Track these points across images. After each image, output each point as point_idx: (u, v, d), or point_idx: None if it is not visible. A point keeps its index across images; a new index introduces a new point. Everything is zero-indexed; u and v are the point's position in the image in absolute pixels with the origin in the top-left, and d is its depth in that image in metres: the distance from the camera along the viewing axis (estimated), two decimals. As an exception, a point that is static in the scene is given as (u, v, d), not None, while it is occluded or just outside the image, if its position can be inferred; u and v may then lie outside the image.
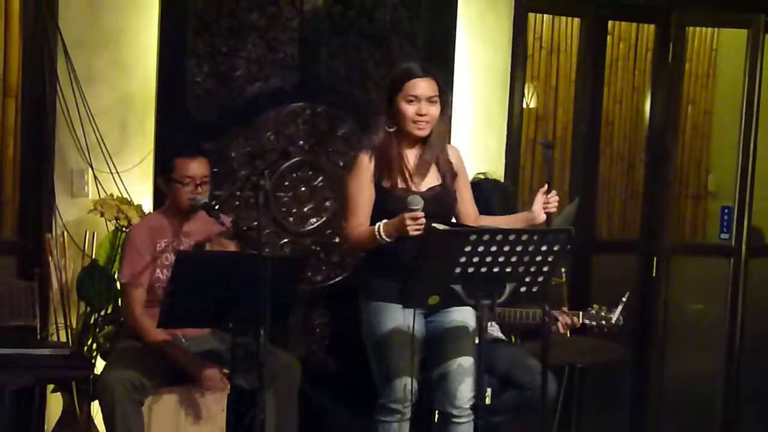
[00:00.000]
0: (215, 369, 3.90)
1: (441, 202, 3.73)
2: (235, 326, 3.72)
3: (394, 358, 3.70)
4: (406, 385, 3.69)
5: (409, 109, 3.69)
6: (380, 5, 4.81)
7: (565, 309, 4.34)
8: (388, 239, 3.58)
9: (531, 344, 4.40)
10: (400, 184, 3.71)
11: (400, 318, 3.69)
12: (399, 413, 3.74)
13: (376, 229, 3.59)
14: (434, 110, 3.71)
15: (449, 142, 4.21)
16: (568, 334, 4.50)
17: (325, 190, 4.78)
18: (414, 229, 3.46)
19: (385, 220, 3.59)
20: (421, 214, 3.47)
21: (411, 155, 3.77)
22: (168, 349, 3.93)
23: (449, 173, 3.80)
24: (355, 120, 4.80)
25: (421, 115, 3.69)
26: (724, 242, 5.65)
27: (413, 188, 3.71)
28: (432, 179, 3.77)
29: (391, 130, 3.74)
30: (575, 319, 4.32)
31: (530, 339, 4.43)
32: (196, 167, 4.02)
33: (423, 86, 3.69)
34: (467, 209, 3.88)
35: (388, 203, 3.69)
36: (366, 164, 3.73)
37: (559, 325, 4.31)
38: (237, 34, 4.58)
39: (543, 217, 3.71)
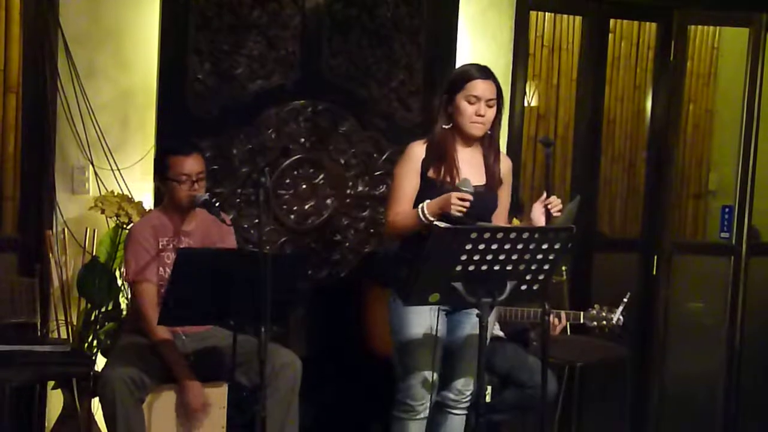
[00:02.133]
0: (201, 392, 3.89)
1: (481, 203, 3.75)
2: (237, 324, 3.72)
3: (417, 357, 3.77)
4: (425, 384, 3.76)
5: (469, 109, 3.75)
6: (381, 2, 4.81)
7: (560, 312, 4.33)
8: (432, 218, 3.62)
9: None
10: (446, 178, 3.75)
11: (427, 319, 3.75)
12: (414, 411, 3.81)
13: (420, 209, 3.65)
14: (491, 113, 3.79)
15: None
16: (568, 332, 4.51)
17: (326, 188, 4.78)
18: (457, 208, 3.52)
19: (428, 200, 3.64)
20: (469, 196, 3.54)
21: (462, 153, 3.82)
22: (163, 349, 3.92)
23: (496, 178, 3.84)
24: (356, 117, 4.80)
25: (479, 115, 3.75)
26: (724, 241, 5.65)
27: (457, 183, 3.73)
28: (477, 178, 3.80)
29: (447, 127, 3.79)
30: (556, 320, 4.31)
31: (520, 339, 4.45)
32: (191, 164, 4.00)
33: (484, 88, 3.75)
34: (496, 220, 3.89)
35: (431, 193, 3.72)
36: (415, 154, 3.80)
37: (554, 320, 4.31)
38: (238, 31, 4.58)
39: (542, 223, 3.73)
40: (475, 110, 3.75)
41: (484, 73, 3.78)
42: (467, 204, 3.54)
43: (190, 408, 3.89)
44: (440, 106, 3.83)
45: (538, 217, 3.72)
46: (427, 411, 3.82)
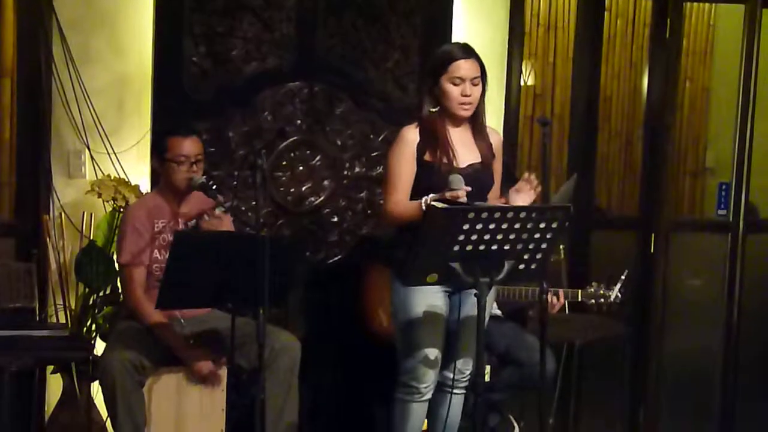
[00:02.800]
0: (208, 362, 3.92)
1: (479, 180, 3.78)
2: (235, 306, 3.72)
3: (422, 339, 3.76)
4: (430, 363, 3.75)
5: (455, 91, 3.73)
6: (377, -17, 4.80)
7: (559, 290, 4.33)
8: None
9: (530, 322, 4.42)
10: (443, 160, 3.74)
11: (430, 299, 3.75)
12: (419, 393, 3.81)
13: (423, 202, 3.61)
14: (477, 91, 3.77)
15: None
16: (566, 310, 4.51)
17: (323, 170, 4.77)
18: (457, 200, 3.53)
19: (432, 194, 3.62)
20: (461, 193, 3.53)
21: (453, 134, 3.80)
22: (162, 332, 3.93)
23: (489, 154, 3.84)
24: (353, 99, 4.79)
25: (465, 96, 3.73)
26: (721, 218, 5.65)
27: (455, 164, 3.74)
28: (472, 156, 3.81)
29: (435, 110, 3.77)
30: (554, 299, 4.30)
31: (519, 317, 4.45)
32: (190, 146, 4.01)
33: (467, 68, 3.73)
34: (494, 195, 3.90)
35: (429, 177, 3.73)
36: (409, 138, 3.77)
37: (552, 299, 4.31)
38: (233, 13, 4.56)
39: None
40: (460, 91, 3.73)
41: (466, 52, 3.76)
42: (463, 197, 3.54)
43: (205, 381, 3.94)
44: (425, 89, 3.81)
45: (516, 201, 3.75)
46: (431, 393, 3.83)
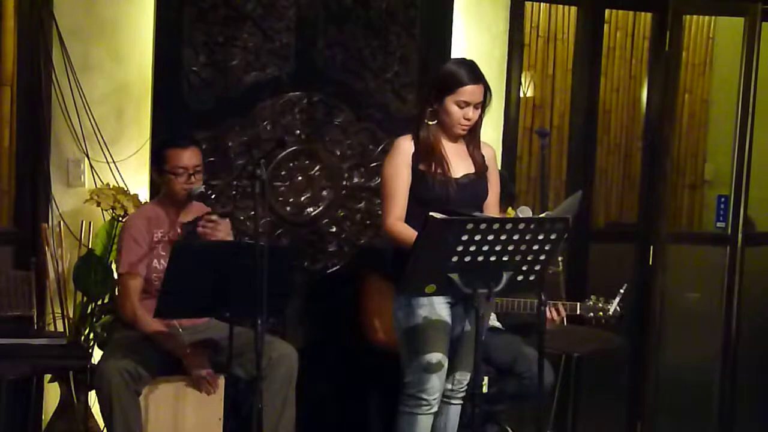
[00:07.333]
0: (208, 370, 3.91)
1: (474, 190, 3.81)
2: (233, 316, 3.72)
3: (428, 349, 3.74)
4: (436, 369, 3.74)
5: (458, 113, 3.75)
6: (376, -7, 4.81)
7: (558, 303, 4.32)
8: None
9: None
10: (437, 170, 3.76)
11: (433, 309, 3.74)
12: (428, 405, 3.79)
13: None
14: (477, 114, 3.79)
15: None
16: (565, 323, 4.51)
17: (322, 180, 4.78)
18: None
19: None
20: None
21: (449, 147, 3.82)
22: (162, 340, 3.93)
23: (483, 165, 3.86)
24: (352, 109, 4.80)
25: (467, 119, 3.76)
26: (720, 231, 5.65)
27: (449, 175, 3.76)
28: (466, 167, 3.83)
29: (433, 123, 3.78)
30: (561, 313, 4.30)
31: (525, 332, 4.45)
32: (189, 157, 4.01)
33: (475, 93, 3.74)
34: (489, 208, 3.90)
35: (422, 186, 3.74)
36: (404, 148, 3.79)
37: (552, 312, 4.30)
38: (233, 23, 4.57)
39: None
40: (463, 114, 3.75)
41: (475, 77, 3.75)
42: None
43: (204, 388, 3.92)
44: (426, 102, 3.82)
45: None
46: (438, 404, 3.81)
